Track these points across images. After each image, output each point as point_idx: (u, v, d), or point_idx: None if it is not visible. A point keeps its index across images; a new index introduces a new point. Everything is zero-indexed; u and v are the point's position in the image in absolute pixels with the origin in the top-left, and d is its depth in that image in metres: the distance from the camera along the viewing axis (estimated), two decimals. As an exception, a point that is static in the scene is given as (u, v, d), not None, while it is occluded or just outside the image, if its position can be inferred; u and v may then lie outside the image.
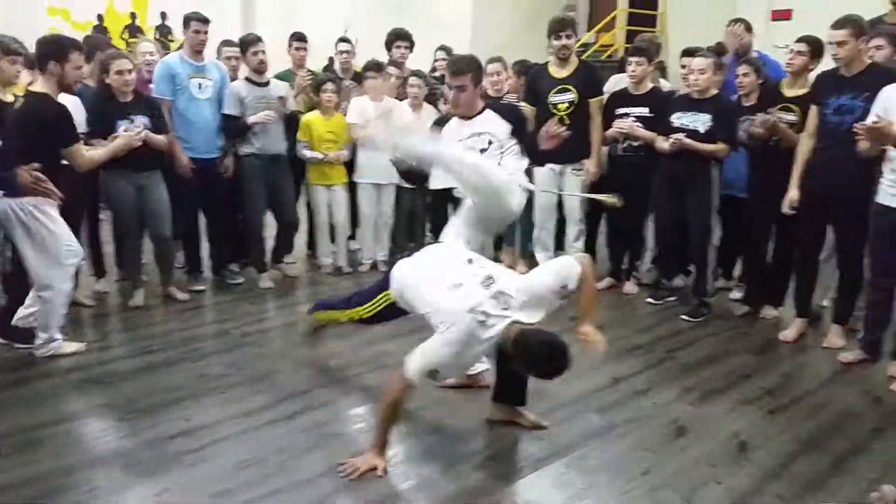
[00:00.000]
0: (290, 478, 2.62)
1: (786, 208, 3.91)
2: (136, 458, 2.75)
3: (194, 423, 3.00)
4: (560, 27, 4.67)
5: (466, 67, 3.30)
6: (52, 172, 3.45)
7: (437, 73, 5.64)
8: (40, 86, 3.52)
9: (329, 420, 3.09)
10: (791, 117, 4.04)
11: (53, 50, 3.50)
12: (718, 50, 4.72)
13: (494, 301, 2.61)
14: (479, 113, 3.39)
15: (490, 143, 3.41)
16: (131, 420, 3.04)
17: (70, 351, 3.68)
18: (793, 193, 3.90)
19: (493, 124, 3.38)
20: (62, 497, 2.48)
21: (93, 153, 3.76)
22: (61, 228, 3.54)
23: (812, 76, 4.07)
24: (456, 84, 3.31)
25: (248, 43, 4.76)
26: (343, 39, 5.62)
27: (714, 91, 4.29)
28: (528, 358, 2.55)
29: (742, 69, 4.40)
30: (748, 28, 4.86)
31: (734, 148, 4.21)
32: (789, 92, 4.11)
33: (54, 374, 3.50)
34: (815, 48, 4.02)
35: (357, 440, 2.94)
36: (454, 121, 3.43)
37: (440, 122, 3.55)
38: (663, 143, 4.29)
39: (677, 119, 4.29)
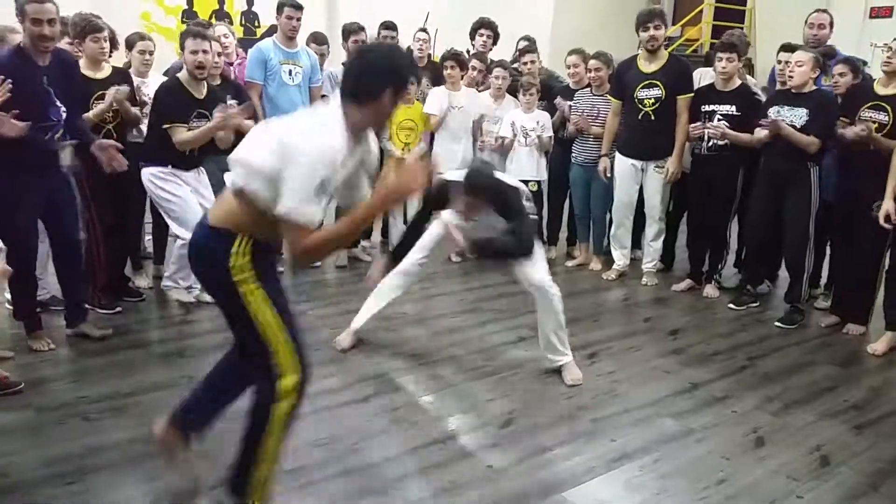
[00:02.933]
0: (362, 459, 2.67)
1: (882, 221, 3.71)
2: (217, 430, 2.83)
3: (272, 400, 3.08)
4: (648, 18, 4.57)
5: None
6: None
7: (517, 65, 5.59)
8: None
9: (401, 405, 3.13)
10: (882, 117, 3.85)
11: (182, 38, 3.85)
12: (825, 52, 4.53)
13: None
14: None
15: None
16: (212, 393, 3.14)
17: (175, 297, 4.06)
18: (888, 205, 3.69)
19: None
20: (147, 463, 2.58)
21: (188, 134, 3.90)
22: (186, 193, 3.87)
23: None
24: None
25: (351, 31, 4.95)
26: (421, 29, 5.64)
27: (812, 86, 4.12)
28: None
29: (839, 69, 4.23)
30: (831, 23, 4.66)
31: (826, 143, 4.03)
32: (882, 90, 3.92)
33: (140, 345, 3.65)
34: None
35: (427, 426, 2.96)
36: None
37: None
38: (759, 133, 4.16)
39: (775, 113, 4.13)
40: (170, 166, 3.84)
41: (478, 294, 4.64)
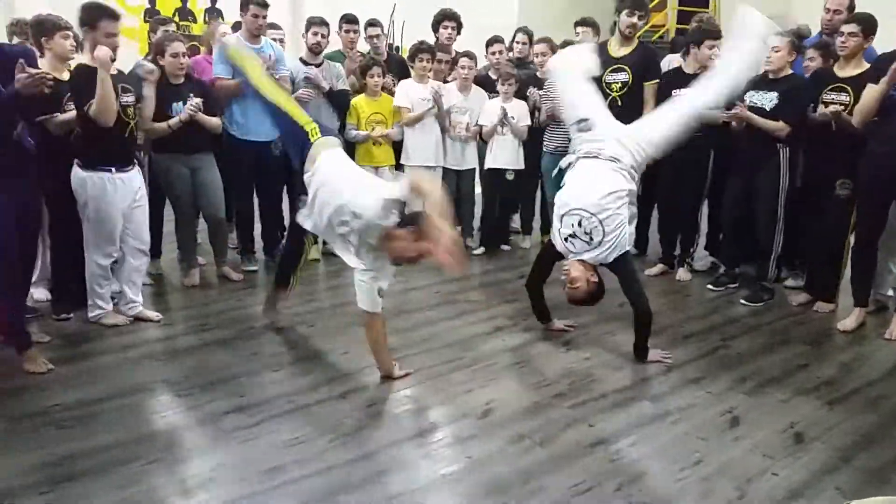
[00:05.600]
0: (340, 456, 2.65)
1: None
2: (193, 433, 2.82)
3: (248, 400, 3.06)
4: (636, 5, 4.58)
5: None
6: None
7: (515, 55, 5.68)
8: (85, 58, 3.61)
9: (378, 400, 3.12)
10: (844, 97, 3.91)
11: (85, 18, 3.56)
12: (798, 33, 4.56)
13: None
14: None
15: None
16: (187, 396, 3.11)
17: (111, 322, 3.82)
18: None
19: None
20: (122, 468, 2.55)
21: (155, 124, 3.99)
22: (111, 208, 3.68)
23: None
24: None
25: (312, 23, 4.86)
26: (371, 24, 5.57)
27: (788, 71, 4.16)
28: None
29: (810, 53, 4.29)
30: (850, 7, 4.47)
31: (794, 128, 4.08)
32: (841, 72, 3.97)
33: (113, 350, 3.60)
34: (866, 26, 3.85)
35: (406, 420, 2.96)
36: None
37: None
38: (723, 115, 4.20)
39: (749, 97, 4.18)
40: (113, 169, 3.65)
41: (453, 287, 4.64)
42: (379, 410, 3.03)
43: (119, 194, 3.71)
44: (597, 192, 3.37)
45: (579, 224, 3.39)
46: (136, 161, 3.88)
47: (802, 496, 2.47)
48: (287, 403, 3.05)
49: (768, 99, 4.12)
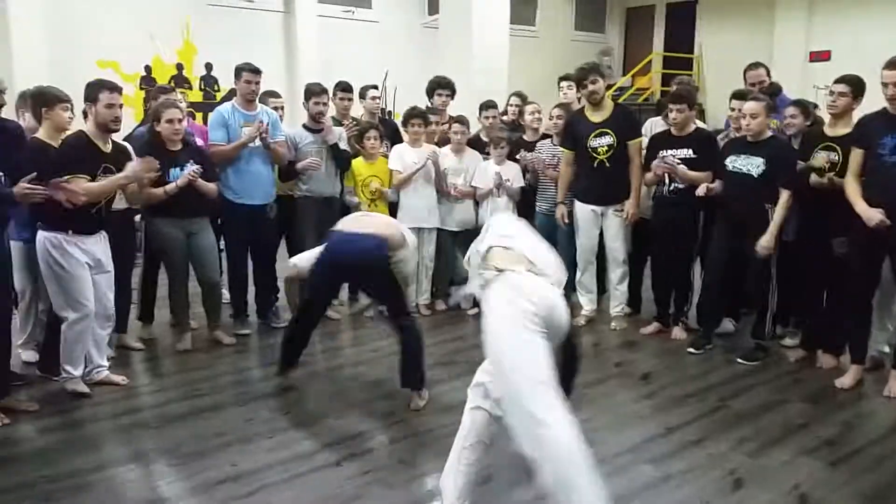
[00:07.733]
0: (337, 526, 2.59)
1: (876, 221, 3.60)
2: (185, 504, 2.75)
3: (241, 469, 3.00)
4: (583, 76, 4.76)
5: None
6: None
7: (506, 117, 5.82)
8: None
9: (375, 467, 3.05)
10: (833, 156, 3.99)
11: (87, 93, 3.75)
12: (771, 90, 4.69)
13: None
14: None
15: None
16: (179, 465, 3.05)
17: (71, 388, 3.71)
18: (873, 213, 3.62)
19: None
20: (112, 543, 2.48)
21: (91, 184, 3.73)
22: (80, 269, 3.63)
23: (855, 115, 4.01)
24: None
25: (313, 93, 4.97)
26: (372, 86, 5.70)
27: (768, 133, 4.23)
28: None
29: (790, 111, 4.38)
30: (767, 72, 4.89)
31: (793, 191, 4.09)
32: (831, 132, 4.06)
33: (103, 418, 3.53)
34: (856, 87, 3.95)
35: (404, 488, 2.89)
36: None
37: None
38: (704, 190, 4.30)
39: (731, 162, 4.23)
40: (70, 231, 3.60)
41: (451, 346, 4.61)
42: (376, 478, 2.96)
43: (77, 254, 3.63)
44: None
45: None
46: (103, 230, 3.81)
47: (811, 561, 2.41)
48: (282, 472, 2.98)
49: (754, 164, 4.15)
